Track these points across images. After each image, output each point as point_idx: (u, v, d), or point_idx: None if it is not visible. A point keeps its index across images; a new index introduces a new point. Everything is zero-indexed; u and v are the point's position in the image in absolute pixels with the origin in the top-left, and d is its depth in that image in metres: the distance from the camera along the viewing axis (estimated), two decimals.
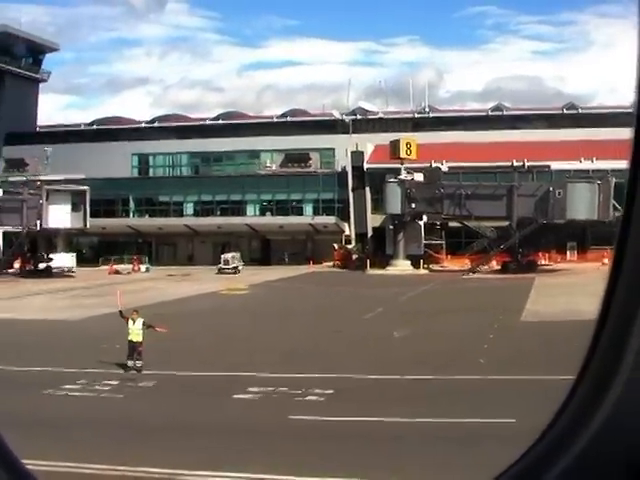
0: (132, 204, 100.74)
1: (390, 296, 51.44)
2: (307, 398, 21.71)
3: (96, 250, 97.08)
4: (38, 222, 77.98)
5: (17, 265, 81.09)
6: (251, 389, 22.83)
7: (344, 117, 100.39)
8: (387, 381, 24.03)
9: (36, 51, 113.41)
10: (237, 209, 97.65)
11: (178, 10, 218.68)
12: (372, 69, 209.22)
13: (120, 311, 27.65)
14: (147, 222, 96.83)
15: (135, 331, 26.37)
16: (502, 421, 17.65)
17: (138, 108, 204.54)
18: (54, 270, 78.92)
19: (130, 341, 26.29)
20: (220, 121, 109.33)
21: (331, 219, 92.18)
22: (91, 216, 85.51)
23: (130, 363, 26.10)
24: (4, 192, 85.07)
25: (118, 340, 27.42)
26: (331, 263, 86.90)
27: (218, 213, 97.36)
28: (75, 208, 79.50)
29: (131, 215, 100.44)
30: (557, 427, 2.56)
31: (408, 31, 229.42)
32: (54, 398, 22.30)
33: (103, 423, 19.06)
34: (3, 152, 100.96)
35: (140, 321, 26.58)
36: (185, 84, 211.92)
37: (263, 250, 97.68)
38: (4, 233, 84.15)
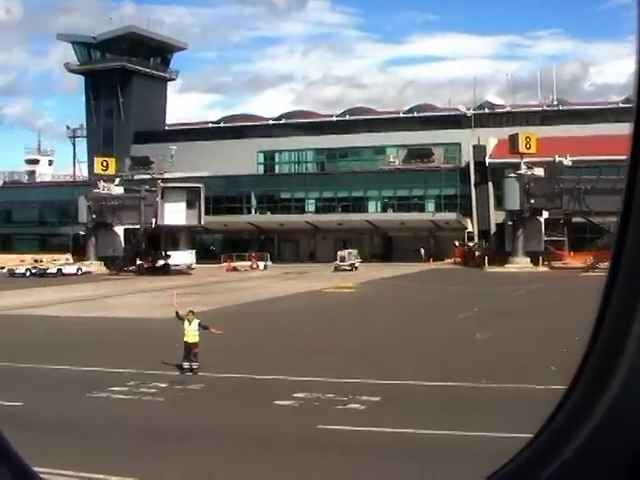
0: (254, 201, 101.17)
1: (496, 294, 50.04)
2: (348, 406, 20.47)
3: (222, 247, 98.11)
4: (154, 219, 79.29)
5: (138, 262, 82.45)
6: (296, 394, 21.70)
7: (468, 111, 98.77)
8: (443, 389, 22.56)
9: (164, 50, 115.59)
10: (358, 205, 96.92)
11: (319, 7, 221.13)
12: (515, 63, 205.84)
13: (177, 312, 27.19)
14: (268, 219, 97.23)
15: (191, 332, 25.85)
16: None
17: (279, 105, 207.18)
18: (173, 267, 79.90)
19: (186, 342, 25.75)
20: (347, 117, 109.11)
21: (453, 215, 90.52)
22: (214, 213, 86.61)
23: (186, 365, 25.52)
24: (126, 190, 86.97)
25: None
26: (452, 260, 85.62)
27: (339, 210, 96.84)
28: (190, 205, 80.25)
29: (253, 212, 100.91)
30: (556, 422, 2.53)
31: (552, 24, 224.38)
32: (94, 400, 21.81)
33: (122, 428, 18.45)
34: (131, 150, 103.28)
35: (196, 322, 26.08)
36: (328, 81, 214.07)
37: (385, 247, 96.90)
38: (125, 231, 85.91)
